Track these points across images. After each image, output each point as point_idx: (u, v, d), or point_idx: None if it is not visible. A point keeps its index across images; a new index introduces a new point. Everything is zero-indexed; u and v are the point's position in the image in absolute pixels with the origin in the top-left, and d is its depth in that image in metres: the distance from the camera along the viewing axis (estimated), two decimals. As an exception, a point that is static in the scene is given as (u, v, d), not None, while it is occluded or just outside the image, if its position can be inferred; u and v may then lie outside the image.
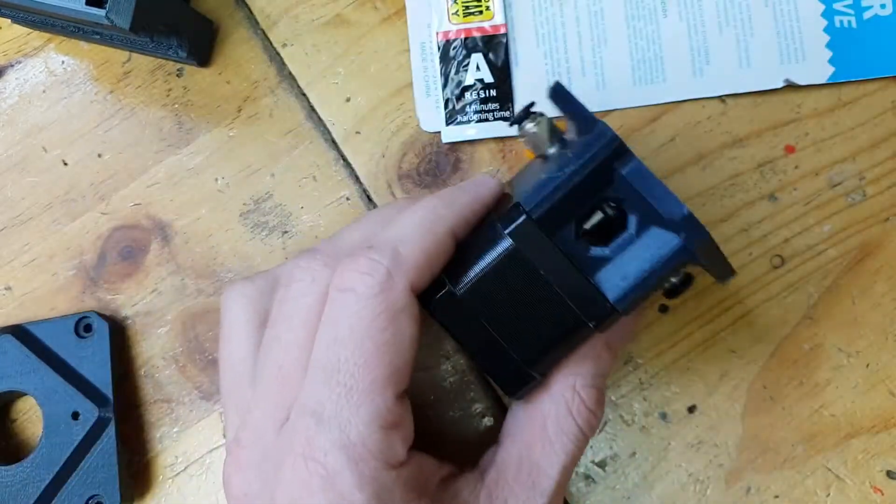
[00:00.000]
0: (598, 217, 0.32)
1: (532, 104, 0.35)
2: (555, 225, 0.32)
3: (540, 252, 0.31)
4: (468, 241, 0.34)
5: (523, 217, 0.31)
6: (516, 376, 0.33)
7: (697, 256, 0.31)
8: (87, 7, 0.39)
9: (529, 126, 0.34)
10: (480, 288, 0.32)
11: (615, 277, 0.31)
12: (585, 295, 0.31)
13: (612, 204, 0.32)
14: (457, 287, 0.32)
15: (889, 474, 0.42)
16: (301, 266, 0.32)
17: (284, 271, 0.33)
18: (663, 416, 0.43)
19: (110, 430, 0.42)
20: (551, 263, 0.31)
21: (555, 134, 0.34)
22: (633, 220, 0.32)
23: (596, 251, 0.32)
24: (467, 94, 0.45)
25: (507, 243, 0.31)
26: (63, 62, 0.48)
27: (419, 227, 0.32)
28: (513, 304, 0.32)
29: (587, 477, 0.43)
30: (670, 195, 0.30)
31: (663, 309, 0.44)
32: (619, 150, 0.31)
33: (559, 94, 0.33)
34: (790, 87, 0.44)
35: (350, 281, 0.30)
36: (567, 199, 0.31)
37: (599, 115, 0.45)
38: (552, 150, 0.33)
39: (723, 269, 0.33)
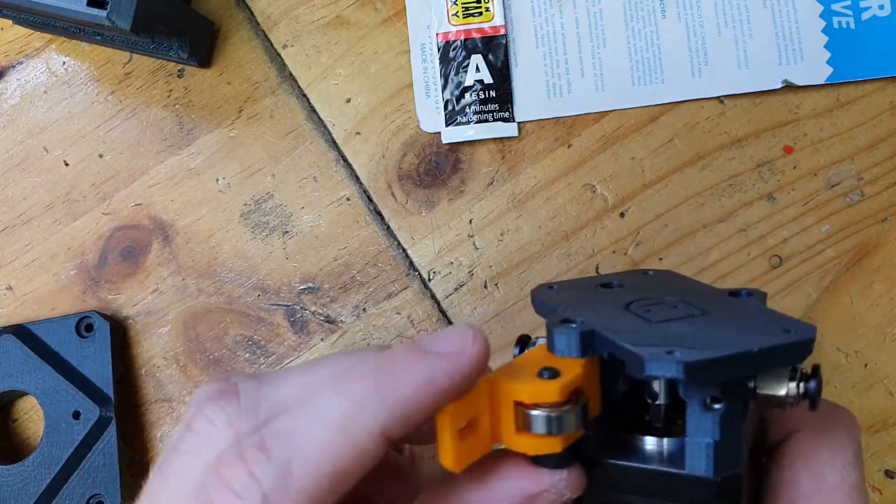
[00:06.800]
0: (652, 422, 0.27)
1: (526, 337, 0.29)
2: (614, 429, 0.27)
3: (614, 465, 0.26)
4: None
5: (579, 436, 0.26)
6: None
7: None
8: (89, 8, 0.39)
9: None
10: None
11: (698, 453, 0.26)
12: (689, 486, 0.26)
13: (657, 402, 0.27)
14: None
15: (887, 473, 0.42)
16: (205, 414, 0.26)
17: (192, 405, 0.27)
18: (662, 415, 0.43)
19: (111, 430, 0.43)
20: (638, 479, 0.26)
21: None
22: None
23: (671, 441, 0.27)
24: (467, 95, 0.45)
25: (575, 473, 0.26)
26: (64, 63, 0.48)
27: (330, 427, 0.24)
28: None
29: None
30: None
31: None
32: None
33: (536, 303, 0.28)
34: (789, 87, 0.44)
35: (218, 495, 0.23)
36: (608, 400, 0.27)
37: (598, 115, 0.45)
38: None
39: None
